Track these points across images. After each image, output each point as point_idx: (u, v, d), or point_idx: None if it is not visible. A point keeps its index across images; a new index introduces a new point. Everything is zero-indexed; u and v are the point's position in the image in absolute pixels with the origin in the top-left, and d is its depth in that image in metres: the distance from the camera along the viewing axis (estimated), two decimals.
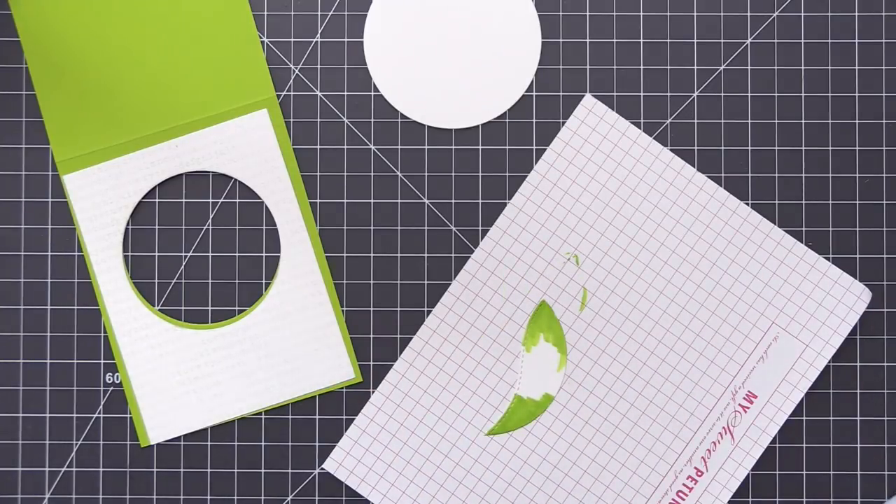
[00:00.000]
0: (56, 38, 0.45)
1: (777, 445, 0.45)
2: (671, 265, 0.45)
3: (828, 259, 0.46)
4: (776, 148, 0.46)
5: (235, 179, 0.46)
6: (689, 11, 0.46)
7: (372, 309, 0.46)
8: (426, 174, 0.46)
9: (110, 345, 0.45)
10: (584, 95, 0.46)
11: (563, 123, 0.46)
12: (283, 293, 0.45)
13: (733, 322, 0.45)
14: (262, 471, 0.45)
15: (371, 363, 0.46)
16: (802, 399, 0.45)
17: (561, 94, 0.46)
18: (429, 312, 0.45)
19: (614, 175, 0.45)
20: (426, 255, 0.46)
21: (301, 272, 0.45)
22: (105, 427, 0.45)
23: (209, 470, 0.45)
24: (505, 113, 0.46)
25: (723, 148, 0.46)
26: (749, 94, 0.46)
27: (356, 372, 0.45)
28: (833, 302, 0.45)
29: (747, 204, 0.46)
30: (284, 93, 0.46)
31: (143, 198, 0.46)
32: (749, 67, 0.46)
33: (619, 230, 0.45)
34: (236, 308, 0.46)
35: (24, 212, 0.46)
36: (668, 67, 0.46)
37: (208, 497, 0.45)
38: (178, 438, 0.45)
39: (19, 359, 0.46)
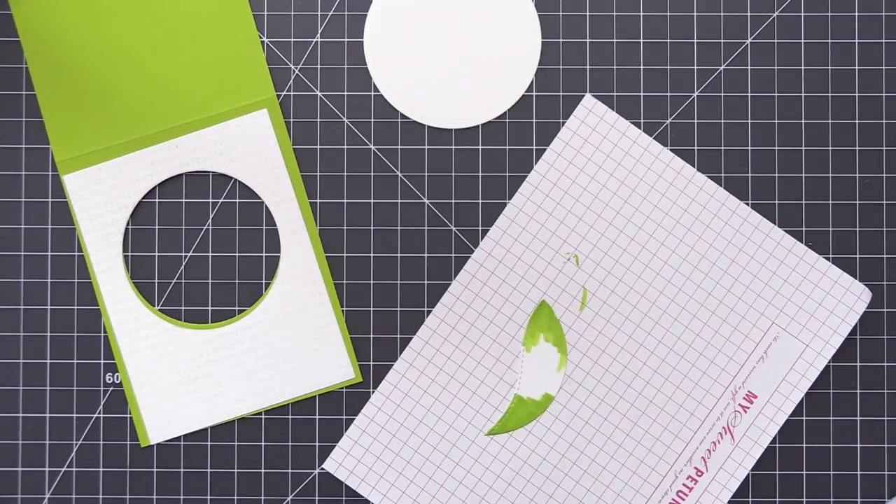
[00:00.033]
0: (56, 38, 0.45)
1: (777, 445, 0.45)
2: (671, 265, 0.45)
3: (828, 259, 0.46)
4: (776, 148, 0.46)
5: (235, 179, 0.46)
6: (689, 11, 0.46)
7: (372, 309, 0.46)
8: (426, 174, 0.46)
9: (110, 345, 0.45)
10: (584, 95, 0.46)
11: (563, 123, 0.46)
12: (283, 293, 0.45)
13: (733, 322, 0.45)
14: (262, 471, 0.45)
15: (371, 363, 0.46)
16: (802, 399, 0.45)
17: (561, 94, 0.46)
18: (429, 312, 0.45)
19: (614, 175, 0.45)
20: (426, 255, 0.46)
21: (301, 272, 0.45)
22: (105, 427, 0.45)
23: (209, 470, 0.45)
24: (505, 113, 0.46)
25: (723, 148, 0.46)
26: (749, 94, 0.46)
27: (356, 372, 0.45)
28: (833, 302, 0.45)
29: (747, 204, 0.46)
30: (284, 93, 0.46)
31: (143, 198, 0.46)
32: (749, 67, 0.46)
33: (619, 230, 0.45)
34: (236, 308, 0.46)
35: (24, 212, 0.46)
36: (668, 67, 0.46)
37: (208, 497, 0.45)
38: (178, 438, 0.45)
39: (19, 359, 0.46)
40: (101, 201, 0.45)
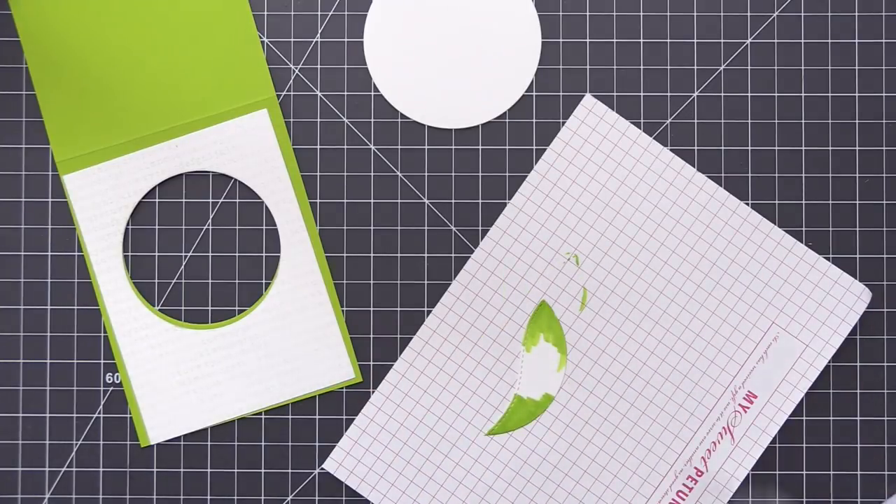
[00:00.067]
0: (56, 38, 0.45)
1: (777, 445, 0.45)
2: (671, 265, 0.45)
3: (828, 259, 0.46)
4: (776, 148, 0.46)
5: (235, 179, 0.46)
6: (689, 11, 0.46)
7: (372, 309, 0.46)
8: (426, 174, 0.46)
9: (110, 345, 0.45)
10: (584, 95, 0.46)
11: (563, 123, 0.46)
12: (283, 293, 0.45)
13: (733, 322, 0.45)
14: (262, 471, 0.45)
15: (371, 363, 0.46)
16: (802, 399, 0.45)
17: (561, 94, 0.46)
18: (429, 312, 0.45)
19: (614, 175, 0.45)
20: (426, 255, 0.46)
21: (301, 272, 0.45)
22: (105, 427, 0.45)
23: (209, 470, 0.45)
24: (505, 113, 0.46)
25: (723, 148, 0.46)
26: (749, 94, 0.46)
27: (356, 372, 0.45)
28: (833, 302, 0.45)
29: (747, 204, 0.46)
30: (284, 93, 0.46)
31: (143, 198, 0.46)
32: (749, 67, 0.46)
33: (619, 230, 0.45)
34: (236, 308, 0.46)
35: (24, 212, 0.46)
36: (668, 67, 0.46)
37: (208, 497, 0.45)
38: (178, 438, 0.45)
39: (19, 359, 0.46)
40: (101, 201, 0.45)
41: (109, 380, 0.46)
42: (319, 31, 0.46)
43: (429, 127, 0.46)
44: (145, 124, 0.45)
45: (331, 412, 0.45)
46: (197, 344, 0.45)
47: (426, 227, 0.46)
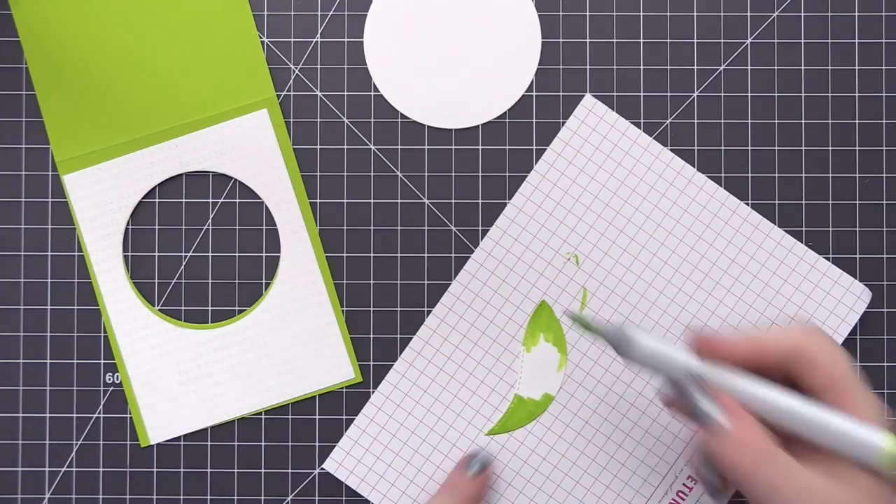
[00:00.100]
0: (56, 38, 0.45)
1: None
2: (671, 265, 0.45)
3: (828, 259, 0.46)
4: (776, 148, 0.46)
5: (235, 179, 0.46)
6: (689, 11, 0.46)
7: (372, 309, 0.45)
8: (426, 174, 0.46)
9: (110, 345, 0.45)
10: (584, 95, 0.46)
11: (563, 123, 0.46)
12: (283, 293, 0.45)
13: (733, 322, 0.45)
14: (262, 471, 0.45)
15: (371, 363, 0.46)
16: None
17: (561, 94, 0.46)
18: (429, 312, 0.45)
19: (614, 175, 0.45)
20: (426, 255, 0.46)
21: (301, 272, 0.45)
22: (105, 427, 0.45)
23: (209, 470, 0.45)
24: (505, 113, 0.46)
25: (723, 148, 0.46)
26: (749, 94, 0.46)
27: (356, 372, 0.45)
28: (833, 302, 0.45)
29: (747, 204, 0.46)
30: (284, 93, 0.46)
31: (143, 198, 0.46)
32: (749, 67, 0.46)
33: (619, 230, 0.45)
34: (236, 308, 0.46)
35: (24, 212, 0.46)
36: (668, 67, 0.46)
37: (208, 497, 0.45)
38: (178, 438, 0.45)
39: (19, 359, 0.46)
40: (101, 201, 0.45)
41: (109, 380, 0.46)
42: (319, 31, 0.46)
43: (429, 127, 0.46)
44: (145, 124, 0.45)
45: (331, 412, 0.45)
46: (197, 344, 0.45)
47: (426, 227, 0.46)
